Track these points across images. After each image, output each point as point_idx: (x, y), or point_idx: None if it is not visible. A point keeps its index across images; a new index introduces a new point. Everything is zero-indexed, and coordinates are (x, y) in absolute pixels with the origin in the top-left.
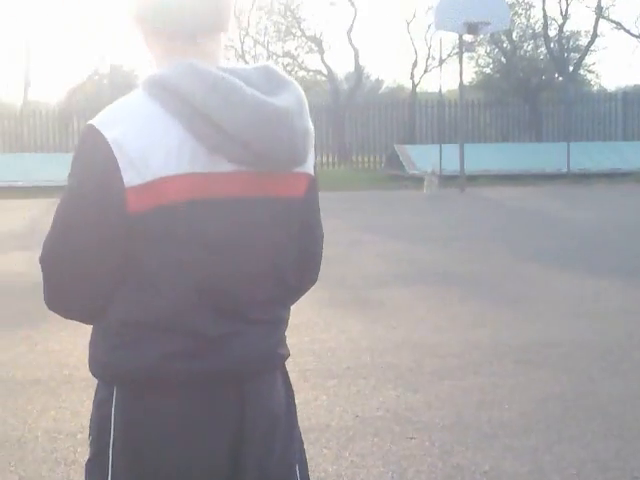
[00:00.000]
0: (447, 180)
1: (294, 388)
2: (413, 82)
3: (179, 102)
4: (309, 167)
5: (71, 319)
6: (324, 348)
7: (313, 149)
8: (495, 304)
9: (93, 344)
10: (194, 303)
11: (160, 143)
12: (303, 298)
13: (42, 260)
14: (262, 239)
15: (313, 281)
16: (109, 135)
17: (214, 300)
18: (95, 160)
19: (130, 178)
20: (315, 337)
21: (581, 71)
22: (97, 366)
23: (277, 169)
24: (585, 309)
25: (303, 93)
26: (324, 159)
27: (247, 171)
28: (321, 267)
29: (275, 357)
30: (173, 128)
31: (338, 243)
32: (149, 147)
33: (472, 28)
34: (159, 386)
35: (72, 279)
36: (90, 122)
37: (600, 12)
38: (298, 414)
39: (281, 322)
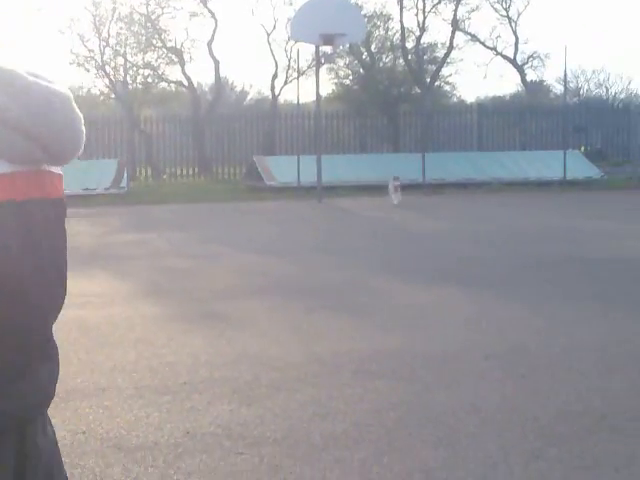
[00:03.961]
0: (305, 191)
1: (128, 405)
2: (273, 93)
3: None
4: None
5: None
6: (162, 363)
7: None
8: (339, 315)
9: None
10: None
11: None
12: (146, 312)
13: None
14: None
15: None
16: None
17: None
18: None
19: None
20: (155, 352)
21: (438, 83)
22: None
23: (61, 163)
24: (427, 319)
25: None
26: (184, 170)
27: (26, 170)
28: (169, 280)
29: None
30: None
31: (190, 256)
32: None
33: (328, 39)
34: None
35: None
36: None
37: (456, 25)
38: (130, 432)
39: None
